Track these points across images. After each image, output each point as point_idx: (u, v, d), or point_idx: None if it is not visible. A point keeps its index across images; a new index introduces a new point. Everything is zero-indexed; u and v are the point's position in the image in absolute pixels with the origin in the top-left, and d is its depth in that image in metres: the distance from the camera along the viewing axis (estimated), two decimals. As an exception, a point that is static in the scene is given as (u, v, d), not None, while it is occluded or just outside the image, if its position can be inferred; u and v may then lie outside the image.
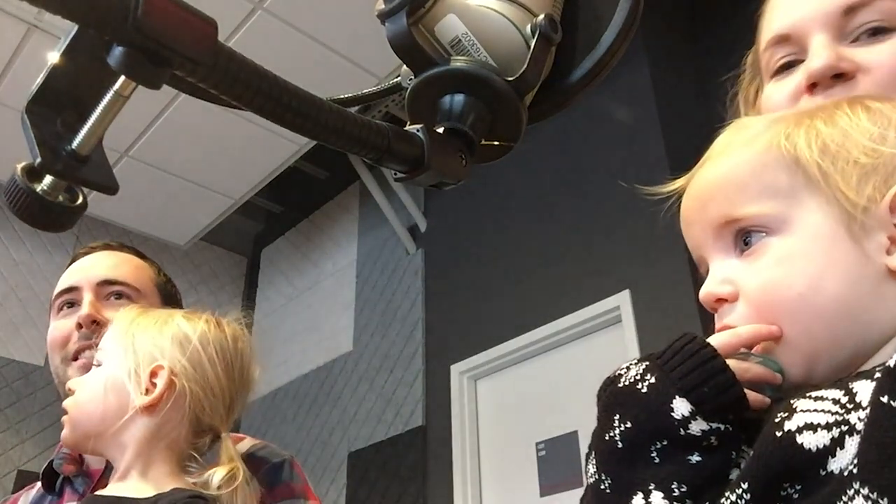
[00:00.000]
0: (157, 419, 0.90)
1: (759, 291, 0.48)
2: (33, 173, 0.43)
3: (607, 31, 0.52)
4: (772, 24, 0.72)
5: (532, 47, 0.48)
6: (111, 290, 1.14)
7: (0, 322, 4.10)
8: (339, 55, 3.17)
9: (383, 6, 0.47)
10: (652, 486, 0.44)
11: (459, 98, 0.48)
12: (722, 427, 0.45)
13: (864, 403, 0.40)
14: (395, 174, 0.47)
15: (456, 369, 3.46)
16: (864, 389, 0.41)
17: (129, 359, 0.92)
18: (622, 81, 3.06)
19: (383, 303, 4.03)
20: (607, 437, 0.46)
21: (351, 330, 4.17)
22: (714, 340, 0.48)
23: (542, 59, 0.49)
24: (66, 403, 0.94)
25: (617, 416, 0.46)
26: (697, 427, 0.44)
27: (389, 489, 3.52)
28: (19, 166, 0.43)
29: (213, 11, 0.37)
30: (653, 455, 0.45)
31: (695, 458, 0.44)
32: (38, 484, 1.13)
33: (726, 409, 0.45)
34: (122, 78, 0.39)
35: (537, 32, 0.49)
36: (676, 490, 0.43)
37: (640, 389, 0.46)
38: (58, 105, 0.44)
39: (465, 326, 3.51)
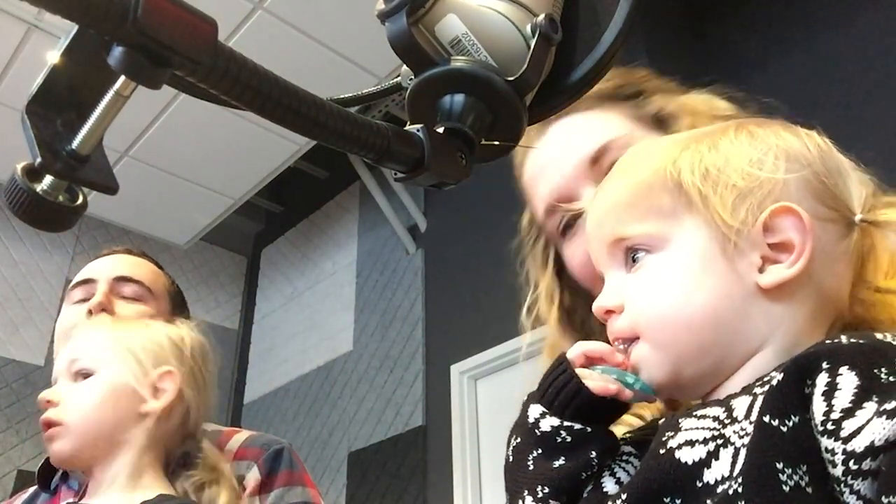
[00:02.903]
0: (164, 424, 0.91)
1: (639, 303, 0.52)
2: (33, 173, 0.43)
3: (607, 30, 0.52)
4: (538, 195, 0.79)
5: (532, 47, 0.48)
6: (126, 288, 1.16)
7: (0, 322, 4.10)
8: (339, 55, 3.17)
9: (383, 6, 0.47)
10: (526, 492, 0.49)
11: (459, 98, 0.48)
12: (575, 426, 0.50)
13: (740, 417, 0.43)
14: (395, 174, 0.47)
15: (456, 369, 3.46)
16: (741, 405, 0.44)
17: (130, 363, 0.91)
18: (622, 81, 3.06)
19: (383, 303, 4.03)
20: (505, 456, 0.53)
21: (351, 330, 4.17)
22: (568, 354, 0.53)
23: (543, 59, 0.49)
24: (61, 416, 0.89)
25: (512, 437, 0.53)
26: (547, 423, 0.50)
27: (389, 489, 3.52)
28: (19, 166, 0.43)
29: (213, 11, 0.37)
30: (528, 463, 0.50)
31: (558, 462, 0.49)
32: (31, 489, 1.13)
33: (569, 405, 0.50)
34: (122, 78, 0.39)
35: (537, 32, 0.49)
36: (540, 492, 0.49)
37: (521, 411, 0.54)
38: (58, 105, 0.43)
39: (465, 326, 3.51)
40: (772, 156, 0.51)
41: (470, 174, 0.50)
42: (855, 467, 0.36)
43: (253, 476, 1.02)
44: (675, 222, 0.52)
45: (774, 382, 0.42)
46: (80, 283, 1.18)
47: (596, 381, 0.51)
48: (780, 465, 0.39)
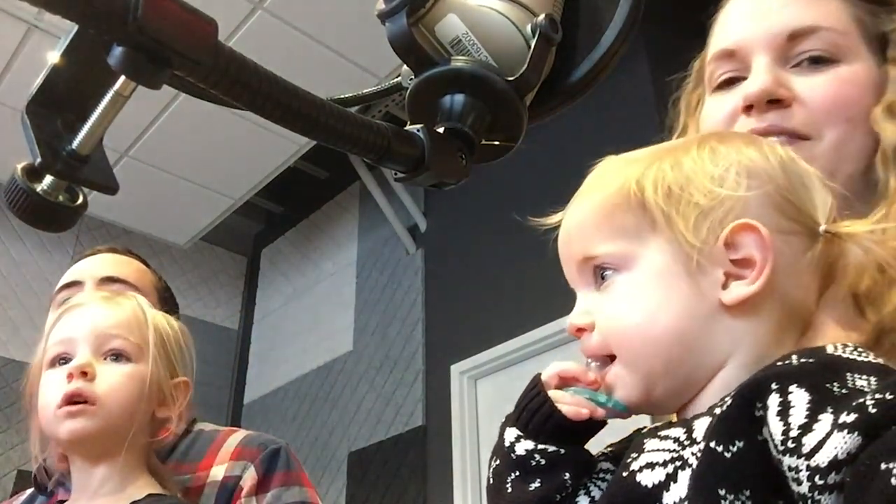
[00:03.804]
0: (165, 430, 0.91)
1: (607, 322, 0.53)
2: (33, 173, 0.43)
3: (608, 30, 0.52)
4: (719, 36, 0.74)
5: (532, 47, 0.48)
6: (113, 288, 1.15)
7: (0, 322, 4.10)
8: (339, 55, 3.16)
9: (383, 6, 0.47)
10: None
11: (459, 98, 0.49)
12: (549, 448, 0.51)
13: (699, 438, 0.44)
14: (396, 174, 0.48)
15: (456, 369, 3.46)
16: (701, 426, 0.45)
17: (165, 364, 0.90)
18: (622, 81, 3.06)
19: (383, 303, 4.03)
20: (487, 477, 0.55)
21: (351, 330, 4.17)
22: (542, 376, 0.55)
23: (543, 59, 0.49)
24: (97, 393, 0.84)
25: (492, 459, 0.55)
26: (522, 447, 0.52)
27: (389, 489, 3.52)
28: (19, 166, 0.43)
29: (213, 11, 0.37)
30: (507, 486, 0.52)
31: (534, 485, 0.51)
32: (28, 491, 1.13)
33: (543, 428, 0.52)
34: (122, 78, 0.39)
35: (538, 32, 0.49)
36: None
37: (499, 433, 0.55)
38: (58, 105, 0.44)
39: (465, 326, 3.50)
40: (733, 172, 0.52)
41: (470, 174, 0.50)
42: (821, 482, 0.36)
43: (249, 476, 1.02)
44: (640, 241, 0.53)
45: (724, 407, 0.43)
46: (67, 286, 1.18)
47: (569, 403, 0.52)
48: (722, 492, 0.40)
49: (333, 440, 3.96)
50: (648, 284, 0.52)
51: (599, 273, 0.54)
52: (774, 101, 0.66)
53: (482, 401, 3.38)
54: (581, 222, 0.56)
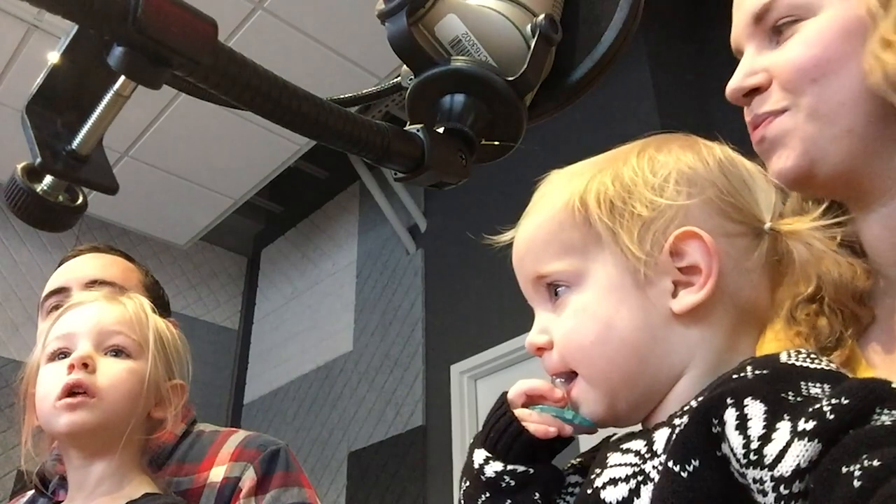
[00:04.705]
0: (160, 431, 0.91)
1: (562, 340, 0.53)
2: (33, 173, 0.43)
3: (608, 30, 0.52)
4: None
5: (532, 47, 0.48)
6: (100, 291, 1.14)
7: (0, 322, 4.10)
8: (339, 55, 3.17)
9: (383, 6, 0.47)
10: None
11: (459, 98, 0.49)
12: (518, 469, 0.52)
13: (660, 451, 0.44)
14: (395, 174, 0.48)
15: (456, 369, 3.46)
16: (661, 438, 0.45)
17: (165, 364, 0.91)
18: (622, 80, 3.06)
19: (383, 303, 4.03)
20: (458, 499, 0.55)
21: (351, 330, 4.17)
22: (509, 394, 0.55)
23: (543, 58, 0.50)
24: (98, 386, 0.85)
25: (462, 481, 0.55)
26: (491, 469, 0.52)
27: (389, 489, 3.52)
28: (19, 166, 0.43)
29: (213, 11, 0.37)
30: None
31: None
32: (30, 493, 1.13)
33: (511, 449, 0.52)
34: (122, 78, 0.39)
35: (537, 32, 0.49)
36: None
37: (468, 454, 0.56)
38: (58, 105, 0.43)
39: (465, 326, 3.51)
40: (672, 181, 0.52)
41: (470, 174, 0.50)
42: (786, 492, 0.37)
43: (249, 477, 1.02)
44: (588, 257, 0.53)
45: (682, 425, 0.43)
46: (54, 293, 1.17)
47: (535, 422, 0.52)
48: None
49: (333, 440, 3.96)
50: (599, 300, 0.52)
51: (553, 290, 0.54)
52: (754, 91, 0.65)
53: (482, 401, 3.38)
54: (531, 241, 0.56)
